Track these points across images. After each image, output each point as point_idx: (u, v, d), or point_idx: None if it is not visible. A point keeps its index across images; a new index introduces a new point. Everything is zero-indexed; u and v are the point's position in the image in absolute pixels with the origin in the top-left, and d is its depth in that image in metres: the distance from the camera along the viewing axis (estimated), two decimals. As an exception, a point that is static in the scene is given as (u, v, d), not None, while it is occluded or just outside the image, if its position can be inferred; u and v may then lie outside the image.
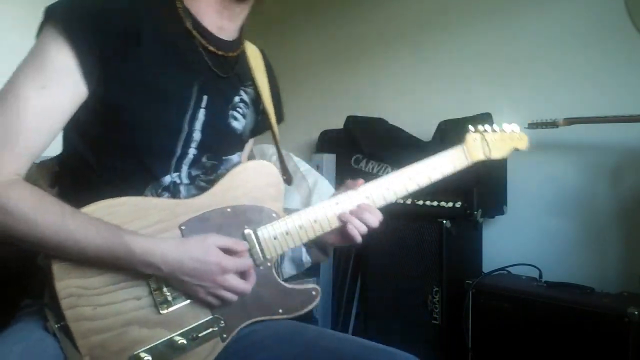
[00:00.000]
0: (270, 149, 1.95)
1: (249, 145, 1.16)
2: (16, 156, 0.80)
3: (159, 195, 0.92)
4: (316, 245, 1.09)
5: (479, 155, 1.13)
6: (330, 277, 2.35)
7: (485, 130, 1.14)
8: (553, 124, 1.85)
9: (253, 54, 1.10)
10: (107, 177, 0.89)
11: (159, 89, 0.89)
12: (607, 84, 2.01)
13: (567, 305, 1.69)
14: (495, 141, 1.14)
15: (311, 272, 2.03)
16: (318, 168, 2.37)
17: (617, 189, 1.99)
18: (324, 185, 2.13)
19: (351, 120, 2.58)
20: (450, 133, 2.18)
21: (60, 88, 0.82)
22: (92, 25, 0.83)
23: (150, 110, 0.89)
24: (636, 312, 1.54)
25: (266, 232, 0.95)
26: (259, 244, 0.94)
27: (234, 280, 0.87)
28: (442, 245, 2.00)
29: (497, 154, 1.15)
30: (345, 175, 2.47)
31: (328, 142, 2.74)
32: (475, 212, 1.99)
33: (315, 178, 2.14)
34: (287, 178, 1.07)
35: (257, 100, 1.08)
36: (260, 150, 1.94)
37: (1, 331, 0.83)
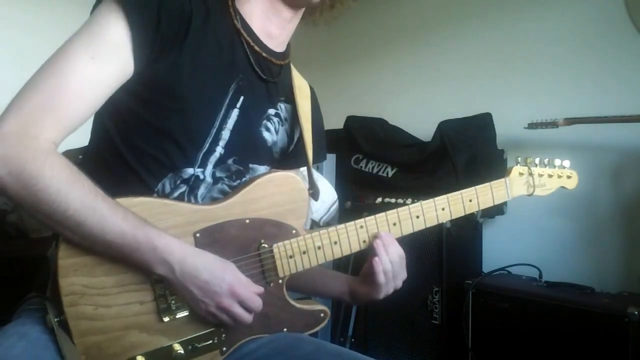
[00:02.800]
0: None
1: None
2: (57, 122, 0.78)
3: (176, 187, 0.90)
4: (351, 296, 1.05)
5: (522, 192, 1.05)
6: (330, 277, 2.34)
7: (535, 164, 1.06)
8: (553, 124, 1.85)
9: (300, 82, 1.09)
10: (130, 161, 0.88)
11: (199, 79, 0.89)
12: (607, 83, 2.01)
13: (567, 306, 1.69)
14: (541, 177, 1.06)
15: (311, 272, 2.02)
16: (318, 168, 2.36)
17: (617, 189, 1.99)
18: (324, 185, 2.13)
19: (351, 120, 2.57)
20: (450, 133, 2.18)
21: (109, 62, 0.81)
22: (150, 3, 0.83)
23: (188, 98, 0.88)
24: (636, 312, 1.54)
25: (282, 249, 0.91)
26: (273, 260, 0.91)
27: (238, 309, 0.85)
28: (442, 245, 1.99)
29: (541, 192, 1.06)
30: (345, 175, 2.48)
31: (328, 142, 2.73)
32: (475, 212, 1.99)
33: (315, 178, 2.14)
34: (314, 192, 1.04)
35: (292, 122, 1.06)
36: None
37: (6, 323, 0.84)
